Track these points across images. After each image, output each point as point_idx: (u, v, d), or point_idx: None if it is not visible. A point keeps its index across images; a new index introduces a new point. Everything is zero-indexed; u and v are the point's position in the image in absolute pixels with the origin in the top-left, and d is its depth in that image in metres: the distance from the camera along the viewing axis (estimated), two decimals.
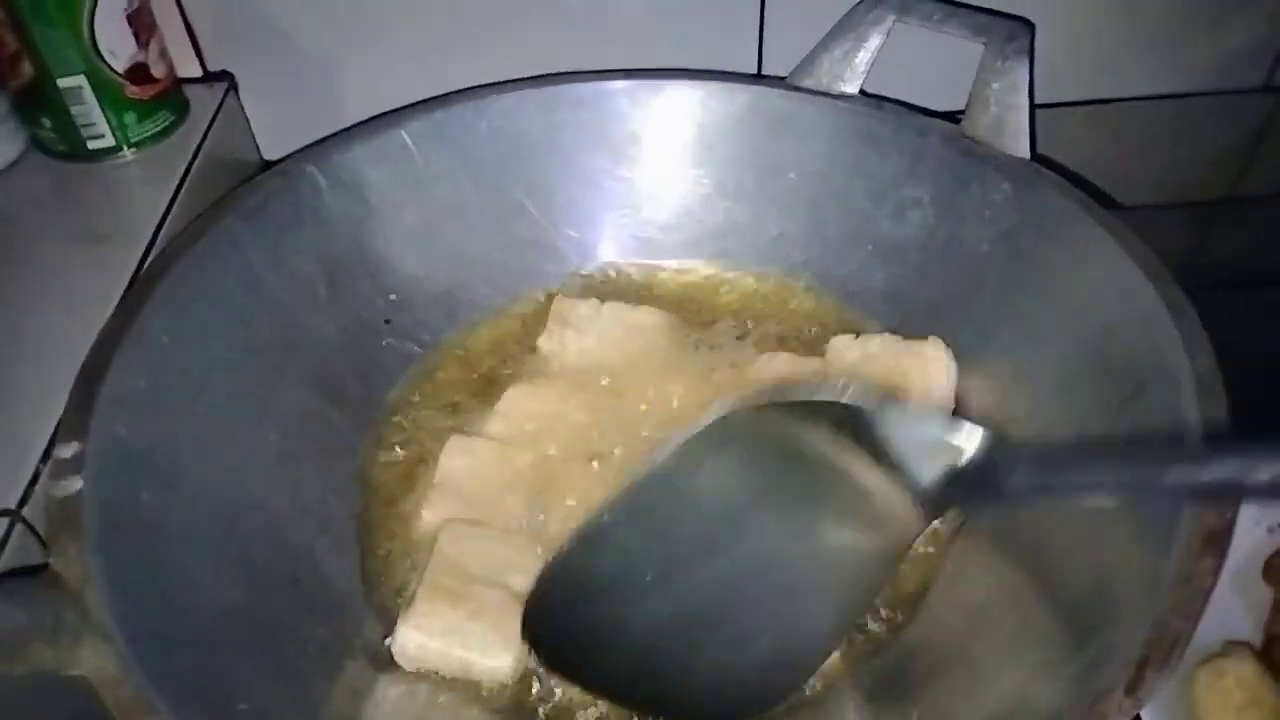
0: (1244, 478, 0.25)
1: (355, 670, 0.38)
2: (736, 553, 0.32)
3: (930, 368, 0.46)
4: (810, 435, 0.31)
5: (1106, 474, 0.29)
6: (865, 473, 0.31)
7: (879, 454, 0.30)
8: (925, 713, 0.35)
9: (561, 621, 0.34)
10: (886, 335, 0.48)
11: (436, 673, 0.39)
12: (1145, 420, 0.36)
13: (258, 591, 0.38)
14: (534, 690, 0.38)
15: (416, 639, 0.38)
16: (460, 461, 0.44)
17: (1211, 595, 0.28)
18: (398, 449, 0.47)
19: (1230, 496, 0.29)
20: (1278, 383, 0.45)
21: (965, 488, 0.30)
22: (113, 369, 0.37)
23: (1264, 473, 0.24)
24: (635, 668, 0.34)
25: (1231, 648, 0.39)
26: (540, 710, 0.38)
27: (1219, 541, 0.29)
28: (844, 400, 0.29)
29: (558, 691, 0.38)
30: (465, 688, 0.38)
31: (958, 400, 0.46)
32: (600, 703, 0.37)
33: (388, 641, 0.39)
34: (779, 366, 0.48)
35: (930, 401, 0.43)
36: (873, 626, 0.39)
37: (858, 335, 0.48)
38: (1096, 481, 0.29)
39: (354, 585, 0.42)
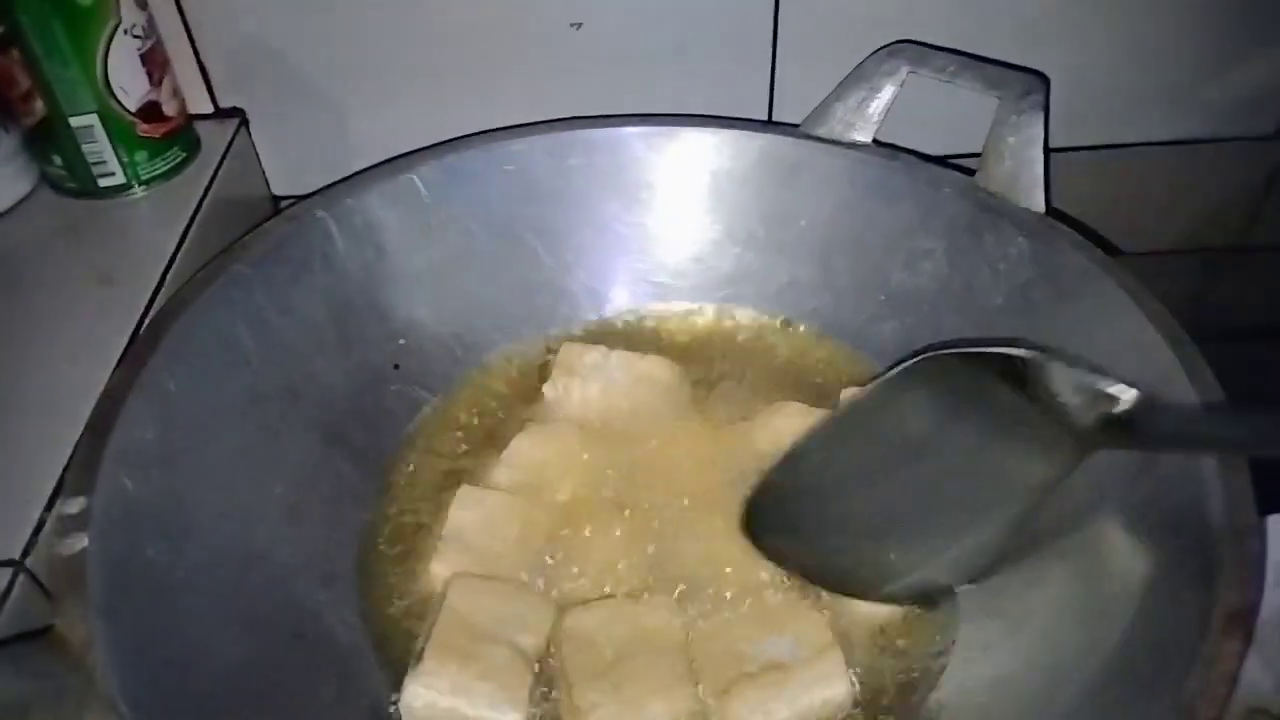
0: None
1: None
2: (916, 471, 0.39)
3: None
4: (982, 382, 0.37)
5: (1237, 430, 0.33)
6: (1029, 414, 0.36)
7: (1042, 399, 0.35)
8: None
9: (773, 518, 0.41)
10: None
11: None
12: (1164, 483, 0.36)
13: (262, 649, 0.37)
14: None
15: (425, 697, 0.37)
16: (470, 513, 0.44)
17: (1238, 677, 0.28)
18: (405, 499, 0.46)
19: None
20: None
21: (1116, 433, 0.34)
22: (120, 421, 0.37)
23: None
24: (829, 555, 0.41)
25: (1255, 715, 0.38)
26: None
27: (1242, 622, 0.29)
28: (1014, 353, 0.35)
29: None
30: None
31: None
32: None
33: (394, 698, 0.38)
34: (788, 417, 0.47)
35: None
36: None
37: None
38: (1228, 436, 0.34)
39: (360, 640, 0.41)
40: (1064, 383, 0.35)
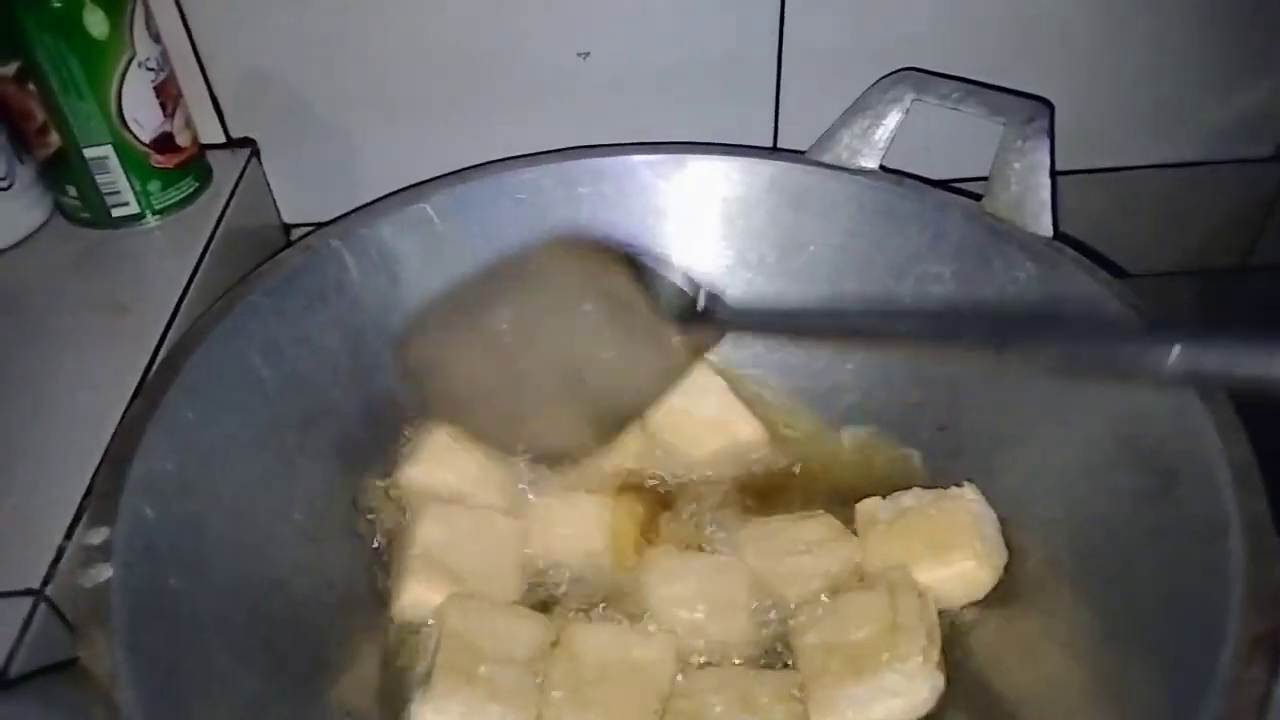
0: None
1: None
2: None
3: (970, 513, 0.43)
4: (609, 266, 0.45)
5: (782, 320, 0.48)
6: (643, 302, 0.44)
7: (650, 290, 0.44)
8: None
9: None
10: (916, 489, 0.45)
11: None
12: (1184, 511, 0.36)
13: (282, 678, 0.37)
14: None
15: None
16: (439, 530, 0.44)
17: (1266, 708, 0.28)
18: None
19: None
20: None
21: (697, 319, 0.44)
22: (140, 451, 0.37)
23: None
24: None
25: None
26: None
27: (1268, 644, 0.29)
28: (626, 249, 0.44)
29: None
30: None
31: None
32: None
33: None
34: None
35: (979, 550, 0.42)
36: None
37: (885, 496, 0.46)
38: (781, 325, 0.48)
39: (379, 666, 0.41)
40: (659, 280, 0.45)
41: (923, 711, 0.38)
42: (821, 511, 0.46)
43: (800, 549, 0.43)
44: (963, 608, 0.42)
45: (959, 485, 0.44)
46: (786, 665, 0.41)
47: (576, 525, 0.46)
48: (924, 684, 0.37)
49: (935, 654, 0.38)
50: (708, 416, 0.50)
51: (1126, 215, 0.66)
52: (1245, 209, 0.68)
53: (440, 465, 0.46)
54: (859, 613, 0.40)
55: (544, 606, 0.44)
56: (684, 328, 0.45)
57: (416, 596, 0.42)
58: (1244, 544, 0.32)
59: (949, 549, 0.42)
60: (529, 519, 0.47)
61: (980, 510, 0.43)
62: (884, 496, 0.45)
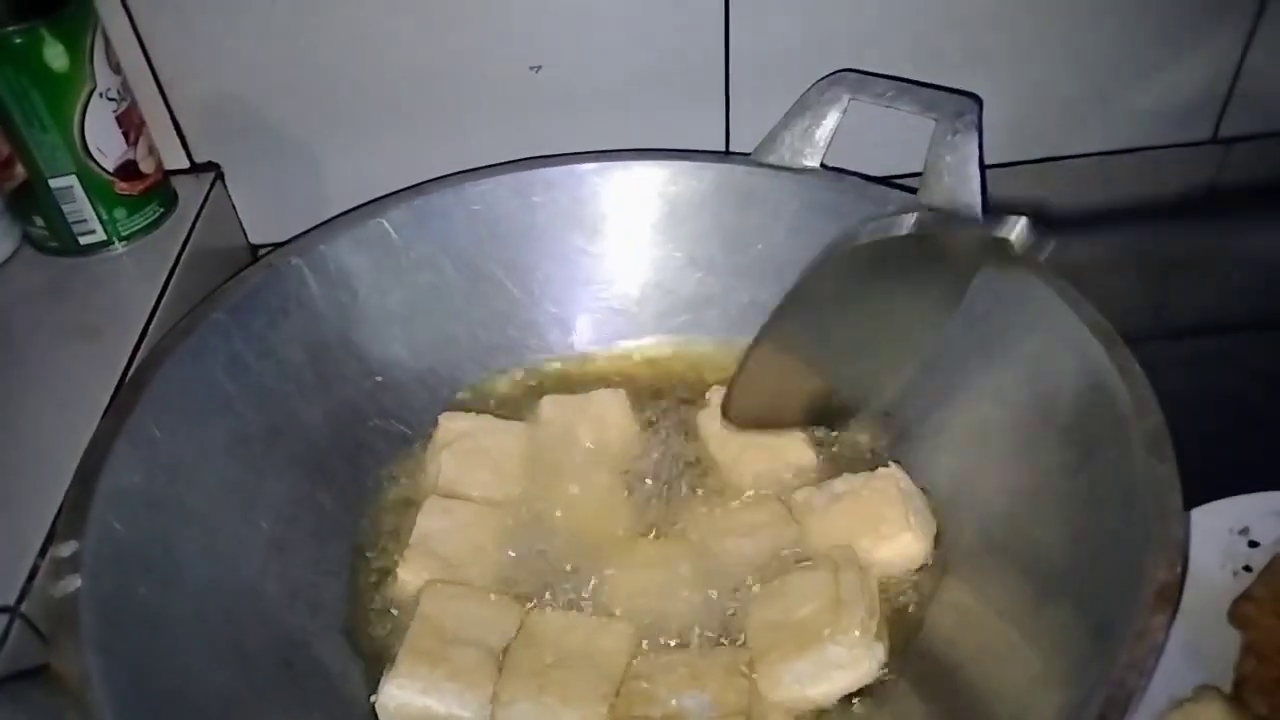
0: None
1: None
2: (862, 317, 0.46)
3: (899, 489, 0.45)
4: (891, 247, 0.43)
5: None
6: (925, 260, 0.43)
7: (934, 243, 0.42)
8: None
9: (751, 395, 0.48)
10: (846, 475, 0.47)
11: None
12: (1100, 479, 0.38)
13: (253, 679, 0.39)
14: None
15: (398, 698, 0.40)
16: (436, 522, 0.46)
17: (1163, 650, 0.30)
18: (386, 529, 0.48)
19: None
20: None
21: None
22: (108, 467, 0.39)
23: None
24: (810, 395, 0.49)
25: (1202, 692, 0.40)
26: None
27: (1169, 596, 0.31)
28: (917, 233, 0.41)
29: None
30: None
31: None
32: None
33: (372, 699, 0.40)
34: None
35: (912, 521, 0.44)
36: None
37: (819, 485, 0.47)
38: None
39: (347, 664, 0.43)
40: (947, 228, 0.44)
41: (867, 681, 0.40)
42: (768, 495, 0.48)
43: (745, 532, 0.45)
44: (904, 582, 0.44)
45: (885, 466, 0.47)
46: (738, 643, 0.42)
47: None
48: (865, 655, 0.39)
49: (874, 625, 0.40)
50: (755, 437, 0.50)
51: (1067, 204, 0.68)
52: (1186, 192, 0.70)
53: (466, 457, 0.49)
54: (804, 590, 0.42)
55: (529, 596, 0.45)
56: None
57: (405, 582, 0.44)
58: (1152, 505, 0.34)
59: (884, 523, 0.44)
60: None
61: (907, 486, 0.45)
62: (816, 485, 0.47)
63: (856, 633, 0.39)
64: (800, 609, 0.41)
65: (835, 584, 0.41)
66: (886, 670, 0.40)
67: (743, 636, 0.43)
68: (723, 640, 0.43)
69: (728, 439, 0.50)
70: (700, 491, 0.49)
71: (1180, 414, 0.38)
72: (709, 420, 0.51)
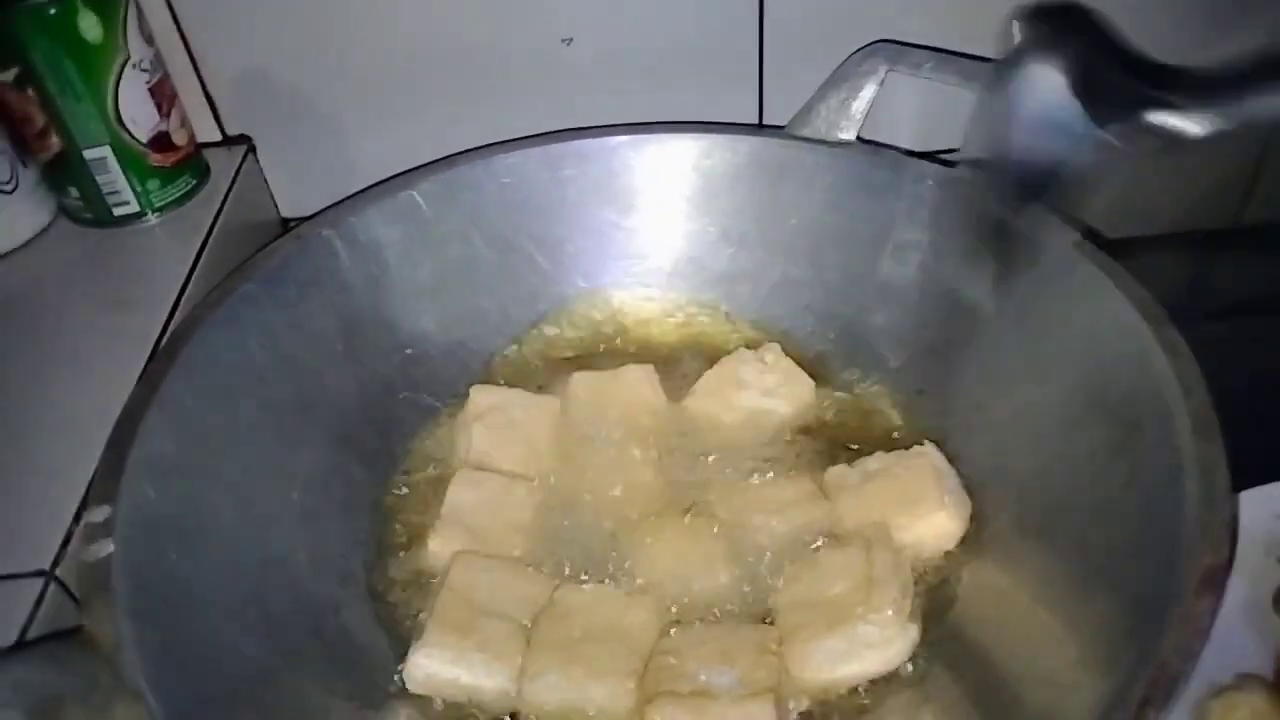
0: None
1: None
2: None
3: (933, 468, 0.44)
4: None
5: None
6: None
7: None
8: None
9: None
10: (880, 453, 0.47)
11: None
12: (1145, 459, 0.37)
13: (283, 647, 0.39)
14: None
15: (426, 667, 0.40)
16: (468, 493, 0.46)
17: (1210, 634, 0.29)
18: (415, 500, 0.48)
19: None
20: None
21: None
22: (140, 434, 0.39)
23: None
24: None
25: (1244, 680, 0.39)
26: None
27: (1216, 580, 0.30)
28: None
29: None
30: None
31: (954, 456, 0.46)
32: None
33: (400, 668, 0.40)
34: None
35: (946, 501, 0.43)
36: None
37: (852, 463, 0.47)
38: None
39: (376, 636, 0.43)
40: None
41: (897, 663, 0.39)
42: (797, 473, 0.47)
43: (776, 509, 0.45)
44: (938, 564, 0.43)
45: (920, 445, 0.46)
46: (768, 621, 0.42)
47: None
48: (898, 635, 0.38)
49: (908, 606, 0.39)
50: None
51: (1118, 179, 0.66)
52: (1236, 168, 0.68)
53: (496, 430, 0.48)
54: (836, 568, 0.41)
55: (558, 569, 0.45)
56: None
57: (435, 553, 0.44)
58: (1199, 486, 0.33)
59: (918, 502, 0.43)
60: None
61: (941, 465, 0.45)
62: (849, 464, 0.46)
63: (890, 612, 0.38)
64: (832, 587, 0.40)
65: (868, 562, 0.40)
66: (918, 652, 0.39)
67: (772, 614, 0.42)
68: (753, 617, 0.42)
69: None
70: (729, 471, 0.48)
71: (1225, 397, 0.37)
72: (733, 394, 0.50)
